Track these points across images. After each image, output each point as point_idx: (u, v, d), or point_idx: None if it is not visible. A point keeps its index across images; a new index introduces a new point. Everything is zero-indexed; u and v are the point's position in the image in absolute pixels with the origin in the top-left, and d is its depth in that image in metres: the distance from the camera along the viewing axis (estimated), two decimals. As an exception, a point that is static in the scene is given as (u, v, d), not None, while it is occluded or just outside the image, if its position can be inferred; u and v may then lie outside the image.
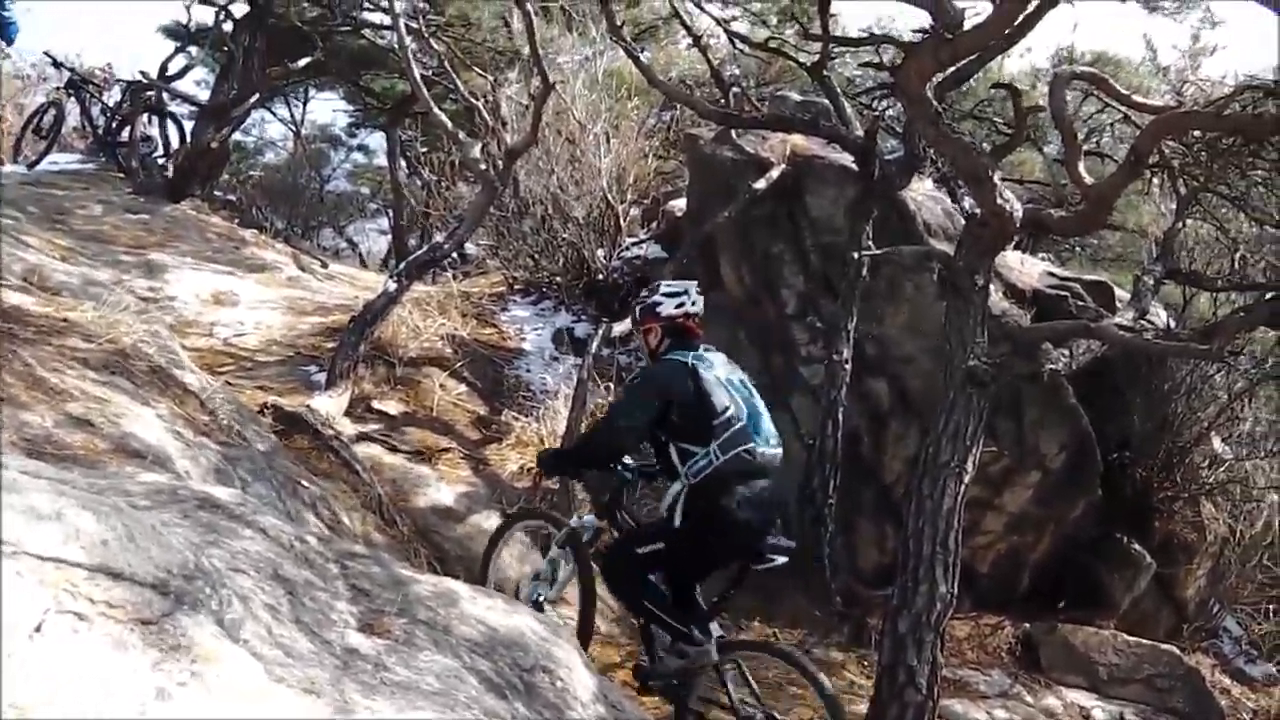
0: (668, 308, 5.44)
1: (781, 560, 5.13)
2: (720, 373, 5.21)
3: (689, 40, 10.32)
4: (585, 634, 5.62)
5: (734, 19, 10.55)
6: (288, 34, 15.14)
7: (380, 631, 3.21)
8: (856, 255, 7.46)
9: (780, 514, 5.56)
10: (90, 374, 5.49)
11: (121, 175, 13.21)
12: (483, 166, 8.86)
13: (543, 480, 7.42)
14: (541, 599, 5.70)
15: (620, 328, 7.93)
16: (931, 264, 7.62)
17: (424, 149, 13.34)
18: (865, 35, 9.70)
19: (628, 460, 5.57)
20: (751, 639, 6.45)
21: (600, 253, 10.21)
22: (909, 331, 8.07)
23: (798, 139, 8.86)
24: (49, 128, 14.05)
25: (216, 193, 14.51)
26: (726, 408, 5.05)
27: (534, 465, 7.46)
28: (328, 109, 21.94)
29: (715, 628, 5.27)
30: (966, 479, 5.50)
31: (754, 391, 5.27)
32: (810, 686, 5.03)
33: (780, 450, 5.24)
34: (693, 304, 5.45)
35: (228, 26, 15.75)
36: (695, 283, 5.64)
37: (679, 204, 10.11)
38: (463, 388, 8.78)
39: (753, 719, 5.15)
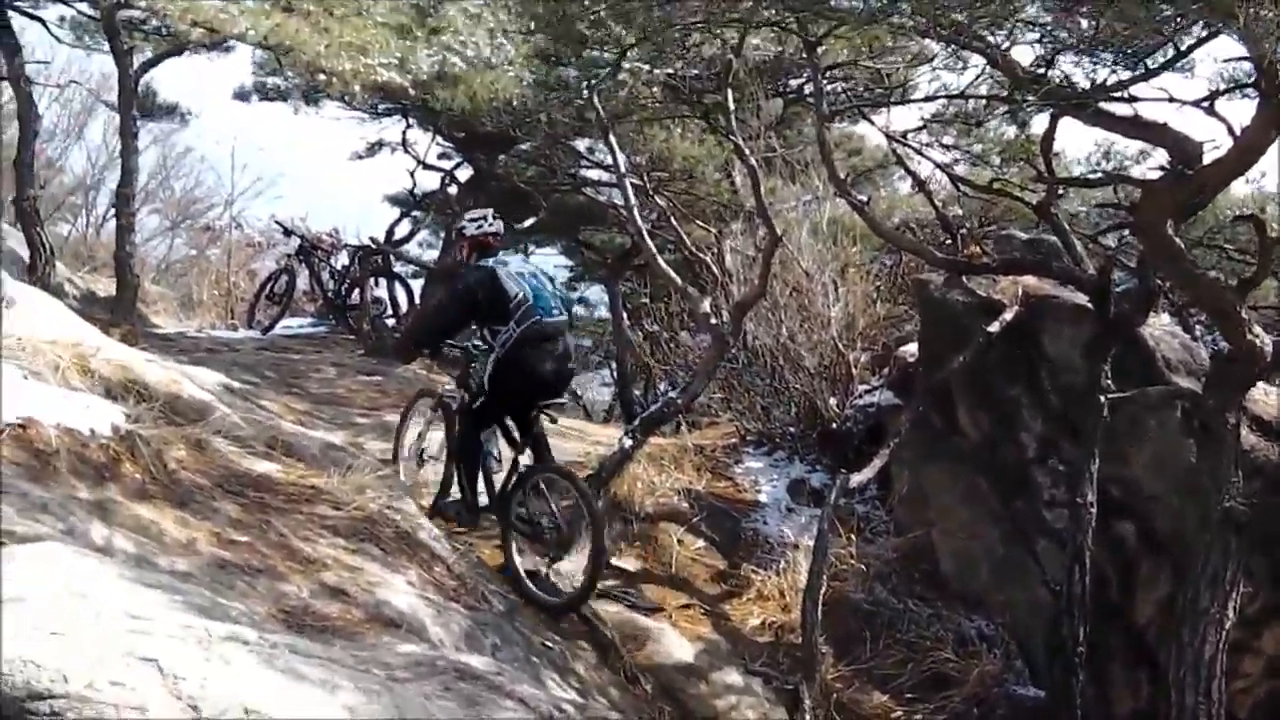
0: (470, 229, 7.95)
1: (562, 400, 7.92)
2: (515, 269, 7.55)
3: (910, 182, 10.79)
4: (445, 485, 7.87)
5: (956, 162, 10.94)
6: (510, 194, 16.24)
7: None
8: (1100, 398, 7.57)
9: (567, 364, 7.77)
10: (341, 541, 5.92)
11: (352, 337, 14.23)
12: (712, 320, 9.30)
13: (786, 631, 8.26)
14: (423, 451, 8.33)
15: (858, 478, 8.12)
16: (1177, 403, 7.83)
17: (645, 300, 13.99)
18: (1097, 175, 9.93)
19: (470, 344, 7.81)
20: (546, 465, 7.70)
21: (832, 401, 10.45)
22: (1154, 471, 8.05)
23: (1029, 279, 8.97)
24: (281, 293, 15.19)
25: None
26: (518, 294, 7.35)
27: (775, 619, 8.08)
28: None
29: (523, 459, 7.60)
30: (1228, 625, 5.62)
31: (540, 278, 7.60)
32: (581, 502, 7.24)
33: (564, 317, 7.68)
34: (490, 225, 7.88)
35: (452, 190, 17.04)
36: (491, 209, 8.18)
37: (910, 349, 10.28)
38: (700, 542, 9.06)
39: (540, 525, 7.51)
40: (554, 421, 7.90)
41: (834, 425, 10.37)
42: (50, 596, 3.59)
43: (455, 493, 7.75)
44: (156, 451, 5.81)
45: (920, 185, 10.09)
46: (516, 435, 7.71)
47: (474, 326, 7.82)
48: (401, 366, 12.57)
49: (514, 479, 7.59)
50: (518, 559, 7.42)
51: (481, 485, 7.67)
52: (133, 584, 4.01)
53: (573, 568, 7.50)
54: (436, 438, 8.29)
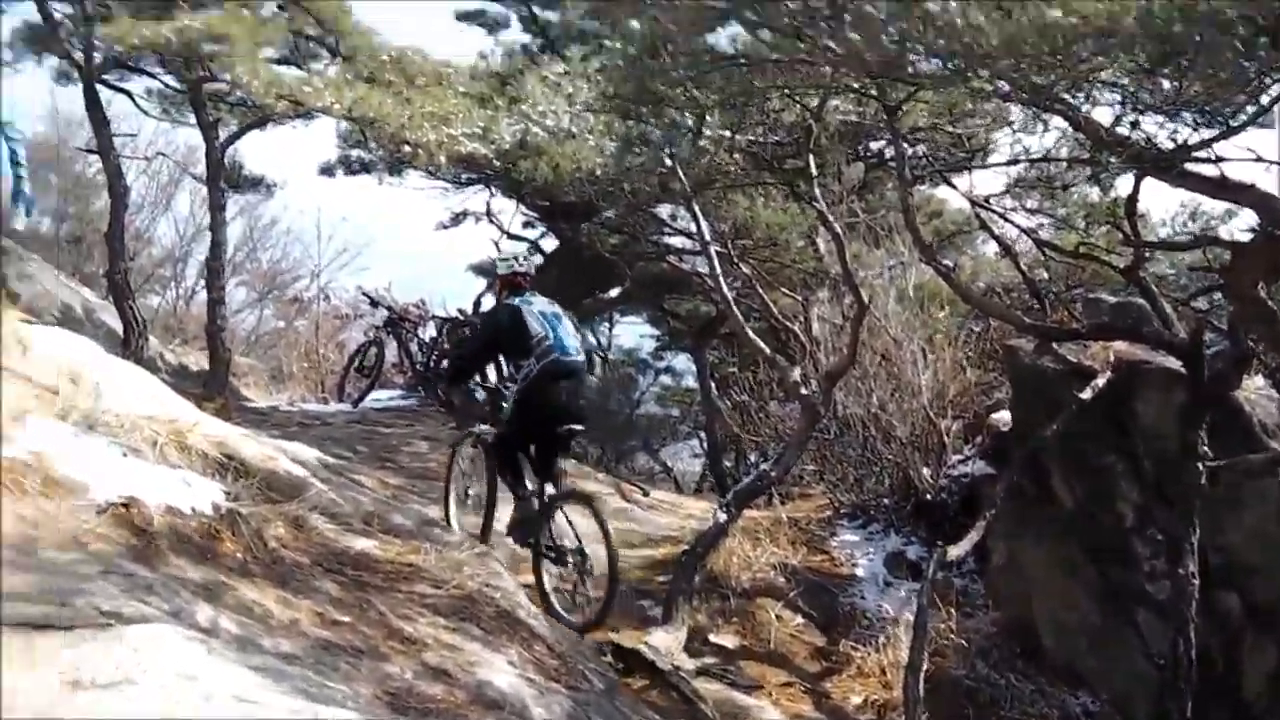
0: (502, 269, 8.78)
1: (579, 428, 8.44)
2: (537, 308, 8.26)
3: (994, 246, 10.84)
4: (489, 511, 8.67)
5: (1040, 226, 11.01)
6: (594, 264, 16.52)
7: None
8: (1197, 465, 7.55)
9: (579, 400, 8.44)
10: (441, 620, 5.85)
11: (442, 409, 14.25)
12: (803, 390, 9.44)
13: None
14: (468, 490, 9.02)
15: (955, 551, 8.11)
16: (1277, 469, 7.82)
17: (733, 369, 14.14)
18: (1185, 237, 9.93)
19: (500, 385, 8.82)
20: (569, 491, 8.58)
21: (925, 471, 10.47)
22: (1255, 539, 8.03)
23: (1120, 343, 8.97)
24: (370, 365, 15.52)
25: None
26: (539, 332, 8.09)
27: (876, 697, 8.15)
28: (633, 333, 23.27)
29: (548, 489, 8.27)
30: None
31: (563, 319, 8.30)
32: (600, 530, 7.75)
33: (580, 358, 8.30)
34: (520, 265, 8.69)
35: (537, 259, 17.35)
36: (524, 250, 9.73)
37: (1002, 417, 10.29)
38: (798, 618, 9.08)
39: (563, 549, 8.01)
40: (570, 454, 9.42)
41: (928, 496, 10.38)
42: (159, 679, 3.65)
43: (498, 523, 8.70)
44: (256, 529, 5.84)
45: (1006, 250, 10.14)
46: (540, 468, 8.44)
47: (500, 361, 9.11)
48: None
49: (540, 508, 8.26)
50: (547, 583, 8.11)
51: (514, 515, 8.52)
52: (239, 666, 4.10)
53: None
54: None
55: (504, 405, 8.48)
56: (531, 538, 8.30)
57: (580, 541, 7.95)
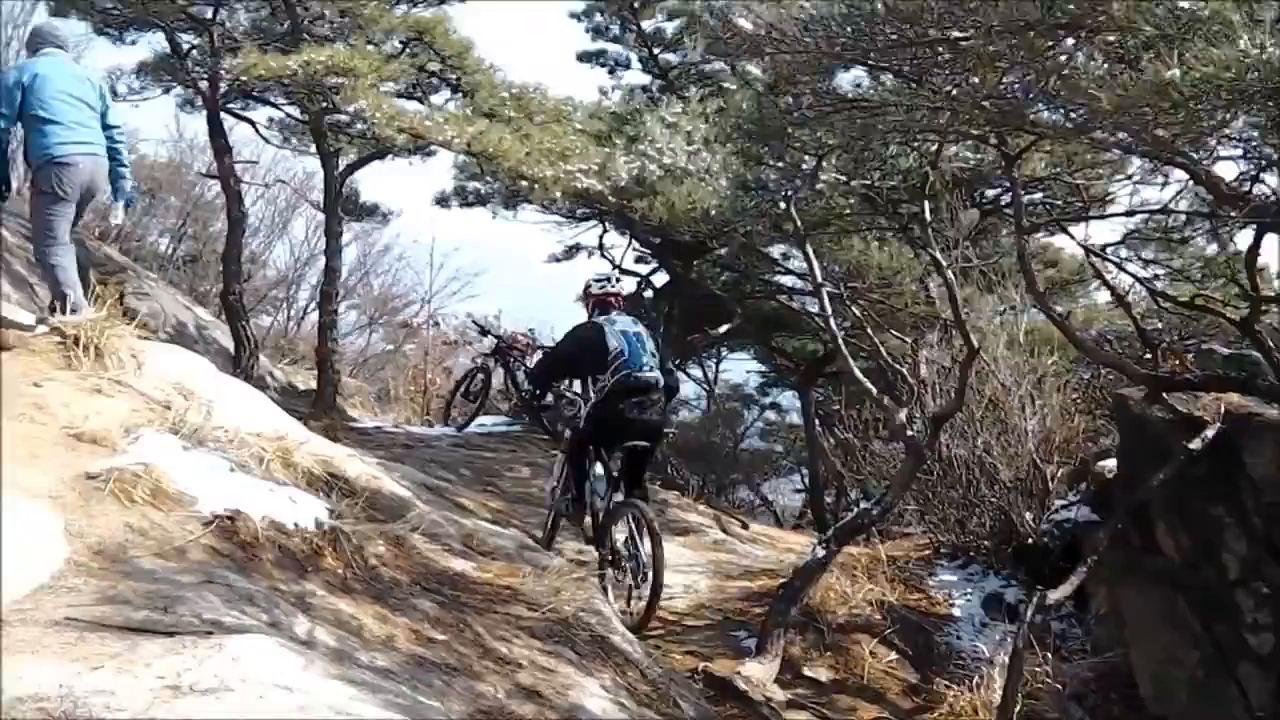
0: (594, 288, 9.49)
1: (647, 443, 9.00)
2: (619, 327, 8.99)
3: (1107, 294, 10.83)
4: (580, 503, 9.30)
5: (1155, 276, 10.99)
6: (704, 300, 16.76)
7: None
8: None
9: (652, 414, 8.93)
10: (536, 643, 5.99)
11: (546, 436, 14.63)
12: (909, 432, 9.49)
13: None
14: (554, 488, 9.82)
15: (1055, 595, 8.01)
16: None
17: (836, 407, 14.23)
18: None
19: (581, 395, 9.81)
20: (629, 500, 8.99)
21: (1028, 515, 10.41)
22: None
23: (1232, 395, 8.82)
24: (477, 391, 15.87)
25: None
26: (617, 348, 8.82)
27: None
28: (740, 368, 23.42)
29: (616, 497, 9.02)
30: None
31: (642, 337, 9.00)
32: (649, 535, 8.43)
33: (654, 374, 8.89)
34: (612, 285, 9.61)
35: (647, 294, 17.62)
36: (616, 272, 10.51)
37: (1108, 464, 10.17)
38: (893, 655, 9.08)
39: (620, 554, 8.73)
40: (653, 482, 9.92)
41: (1030, 540, 10.32)
42: (257, 688, 3.72)
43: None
44: (358, 547, 5.99)
45: (1119, 298, 10.11)
46: (618, 479, 9.17)
47: (582, 375, 9.87)
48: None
49: (605, 515, 9.02)
50: (609, 585, 8.71)
51: (588, 522, 9.27)
52: (335, 679, 4.17)
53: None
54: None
55: (581, 416, 9.26)
56: (593, 541, 9.20)
57: (639, 549, 8.59)
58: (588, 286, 9.66)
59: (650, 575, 8.44)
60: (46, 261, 7.90)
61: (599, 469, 9.32)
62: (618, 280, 9.86)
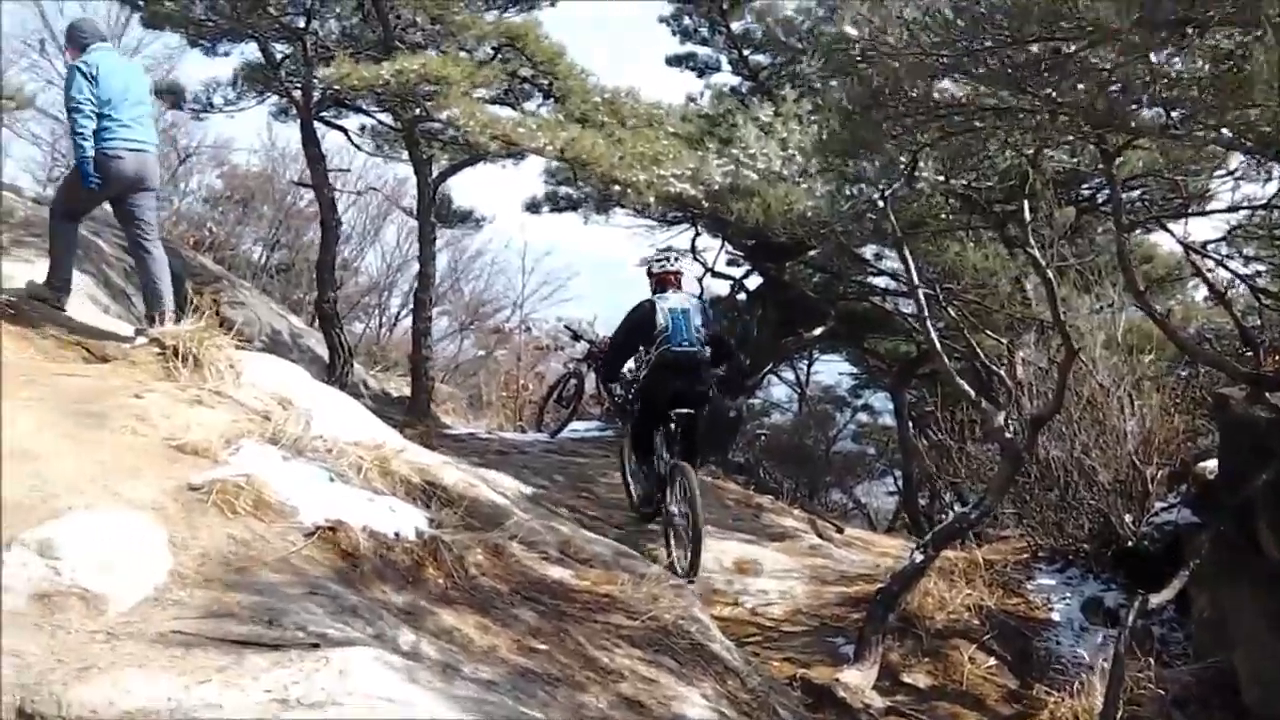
0: (654, 267, 10.31)
1: (687, 411, 9.77)
2: (670, 304, 9.83)
3: (1205, 291, 10.69)
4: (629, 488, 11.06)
5: (1257, 274, 10.84)
6: (798, 301, 16.78)
7: None
8: None
9: (695, 385, 9.84)
10: (636, 652, 6.01)
11: None
12: (1007, 435, 9.41)
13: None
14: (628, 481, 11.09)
15: (1157, 599, 8.12)
16: None
17: (930, 408, 14.16)
18: None
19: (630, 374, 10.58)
20: (676, 463, 9.78)
21: (1128, 518, 10.30)
22: None
23: None
24: (569, 396, 16.01)
25: (729, 457, 15.93)
26: (663, 324, 9.71)
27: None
28: (832, 370, 23.42)
29: (668, 457, 9.91)
30: None
31: (690, 314, 9.90)
32: (684, 492, 9.41)
33: (694, 348, 9.82)
34: (671, 265, 10.42)
35: (740, 297, 17.67)
36: (675, 251, 11.52)
37: (1209, 465, 9.91)
38: (991, 660, 9.04)
39: (673, 514, 9.61)
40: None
41: (1130, 543, 10.22)
42: (364, 701, 3.72)
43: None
44: (458, 556, 6.00)
45: (1219, 296, 9.99)
46: (668, 445, 10.04)
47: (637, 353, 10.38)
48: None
49: (659, 479, 9.98)
50: (671, 542, 9.67)
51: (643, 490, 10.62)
52: (439, 692, 4.15)
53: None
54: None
55: (630, 401, 10.37)
56: (651, 507, 10.37)
57: (690, 506, 9.30)
58: (649, 266, 10.52)
59: (691, 530, 9.29)
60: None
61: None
62: (676, 259, 10.66)
